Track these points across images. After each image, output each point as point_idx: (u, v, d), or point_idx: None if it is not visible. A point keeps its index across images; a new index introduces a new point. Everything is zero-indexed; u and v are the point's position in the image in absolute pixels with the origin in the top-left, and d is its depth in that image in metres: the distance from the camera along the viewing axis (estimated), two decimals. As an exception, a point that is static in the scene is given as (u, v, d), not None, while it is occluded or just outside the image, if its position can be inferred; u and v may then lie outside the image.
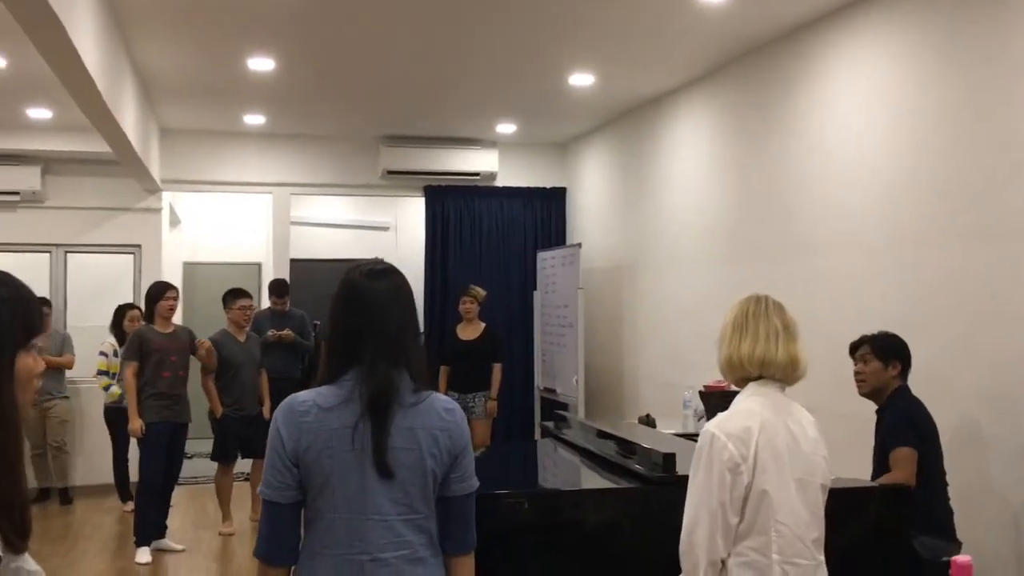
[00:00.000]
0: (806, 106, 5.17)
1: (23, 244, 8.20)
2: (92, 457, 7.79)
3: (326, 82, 6.65)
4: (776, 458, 2.25)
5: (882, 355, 3.80)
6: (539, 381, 8.46)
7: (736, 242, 5.92)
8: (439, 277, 8.84)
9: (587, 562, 2.93)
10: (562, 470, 3.89)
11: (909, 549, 3.15)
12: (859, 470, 3.76)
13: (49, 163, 8.18)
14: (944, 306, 4.12)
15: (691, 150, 6.58)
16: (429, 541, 1.95)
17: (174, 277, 8.24)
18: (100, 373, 7.20)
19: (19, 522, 1.19)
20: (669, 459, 3.01)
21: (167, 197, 8.69)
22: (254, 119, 7.89)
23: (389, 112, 7.65)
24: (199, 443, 7.97)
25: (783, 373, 2.35)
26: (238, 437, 6.50)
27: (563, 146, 9.10)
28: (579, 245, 7.73)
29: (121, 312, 7.32)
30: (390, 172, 8.55)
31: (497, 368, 7.22)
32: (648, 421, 5.36)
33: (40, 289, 7.95)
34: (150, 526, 6.03)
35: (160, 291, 6.07)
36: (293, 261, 8.78)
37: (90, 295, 8.41)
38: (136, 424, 5.86)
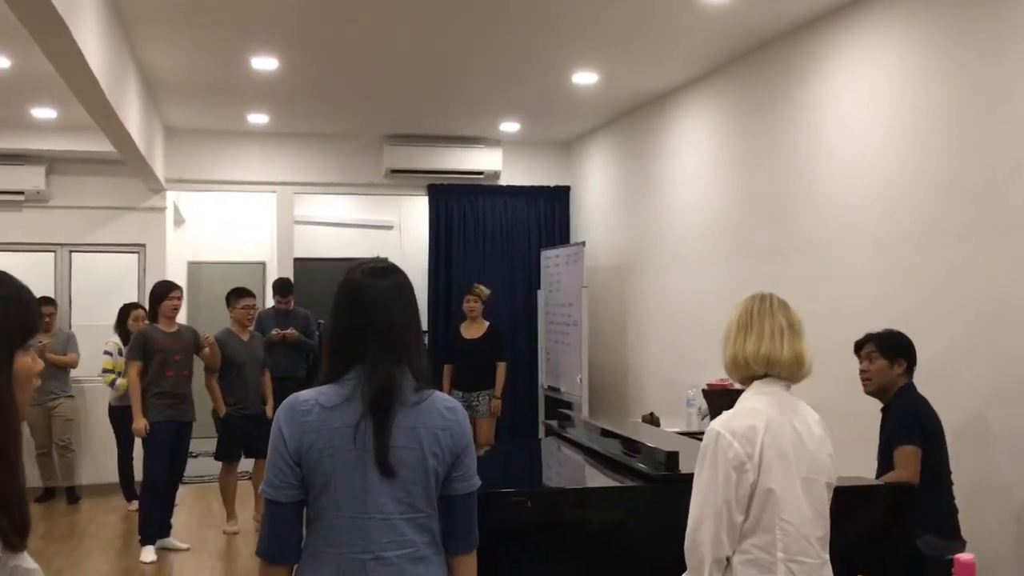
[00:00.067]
0: (809, 104, 5.15)
1: (28, 244, 8.23)
2: (98, 456, 7.80)
3: (330, 81, 6.66)
4: (781, 456, 2.24)
5: (887, 353, 3.78)
6: (543, 380, 8.46)
7: (740, 240, 5.91)
8: (443, 276, 8.84)
9: (590, 561, 2.93)
10: (566, 469, 3.89)
11: (912, 547, 3.15)
12: (865, 468, 3.75)
13: (53, 163, 8.19)
14: (949, 303, 4.11)
15: (694, 148, 6.57)
16: (431, 540, 1.94)
17: (178, 276, 8.24)
18: (106, 371, 7.22)
19: (18, 521, 1.19)
20: (672, 457, 3.00)
21: (171, 196, 8.70)
22: (258, 118, 7.89)
23: (393, 111, 7.65)
24: (203, 442, 7.98)
25: (788, 371, 2.35)
26: (242, 436, 6.51)
27: (567, 145, 9.10)
28: (583, 243, 7.73)
29: (125, 311, 7.33)
30: (394, 171, 8.56)
31: (501, 367, 7.22)
32: (652, 420, 5.35)
33: (45, 288, 7.97)
34: (155, 525, 6.04)
35: (164, 291, 6.08)
36: (297, 260, 8.79)
37: (94, 294, 8.43)
38: (140, 423, 5.87)
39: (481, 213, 8.90)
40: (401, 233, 10.84)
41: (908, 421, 3.65)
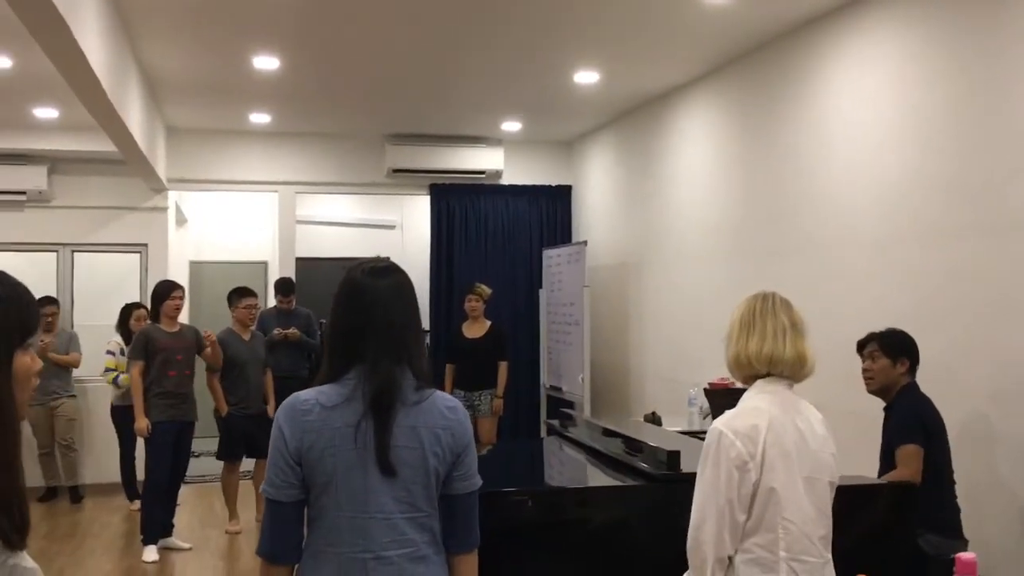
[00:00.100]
0: (811, 103, 5.15)
1: (30, 243, 8.24)
2: (100, 455, 7.81)
3: (331, 80, 6.66)
4: (784, 456, 2.24)
5: (890, 352, 3.78)
6: (545, 379, 8.45)
7: (742, 239, 5.91)
8: (445, 275, 8.84)
9: (592, 560, 2.93)
10: (567, 468, 3.89)
11: (914, 547, 3.14)
12: (867, 467, 3.75)
13: (56, 163, 8.20)
14: (948, 303, 4.10)
15: (697, 147, 6.57)
16: (432, 539, 1.94)
17: (180, 276, 8.25)
18: (108, 371, 7.23)
19: (18, 520, 1.20)
20: (674, 457, 3.00)
21: (173, 196, 8.71)
22: (259, 118, 7.89)
23: (394, 110, 7.65)
24: (205, 442, 7.98)
25: (791, 370, 2.34)
26: (244, 436, 6.51)
27: (568, 144, 9.10)
28: (585, 243, 7.72)
29: (127, 311, 7.34)
30: (396, 170, 8.56)
31: (503, 366, 7.22)
32: (654, 419, 5.35)
33: (47, 288, 7.98)
34: (157, 524, 6.04)
35: (166, 290, 6.08)
36: (299, 260, 8.79)
37: (97, 294, 8.44)
38: (142, 423, 5.88)
39: (483, 212, 8.90)
40: (403, 232, 10.84)
41: (910, 420, 3.64)
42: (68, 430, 7.64)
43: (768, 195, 5.59)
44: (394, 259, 2.13)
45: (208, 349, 6.22)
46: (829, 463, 2.34)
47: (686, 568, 2.28)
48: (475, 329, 7.32)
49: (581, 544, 2.94)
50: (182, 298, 6.15)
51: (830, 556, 2.31)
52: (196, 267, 10.29)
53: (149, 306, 6.41)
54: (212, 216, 10.43)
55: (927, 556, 3.33)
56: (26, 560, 1.21)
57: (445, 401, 1.99)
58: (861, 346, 3.91)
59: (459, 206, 8.87)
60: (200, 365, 6.32)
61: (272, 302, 7.91)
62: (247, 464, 6.78)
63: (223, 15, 5.12)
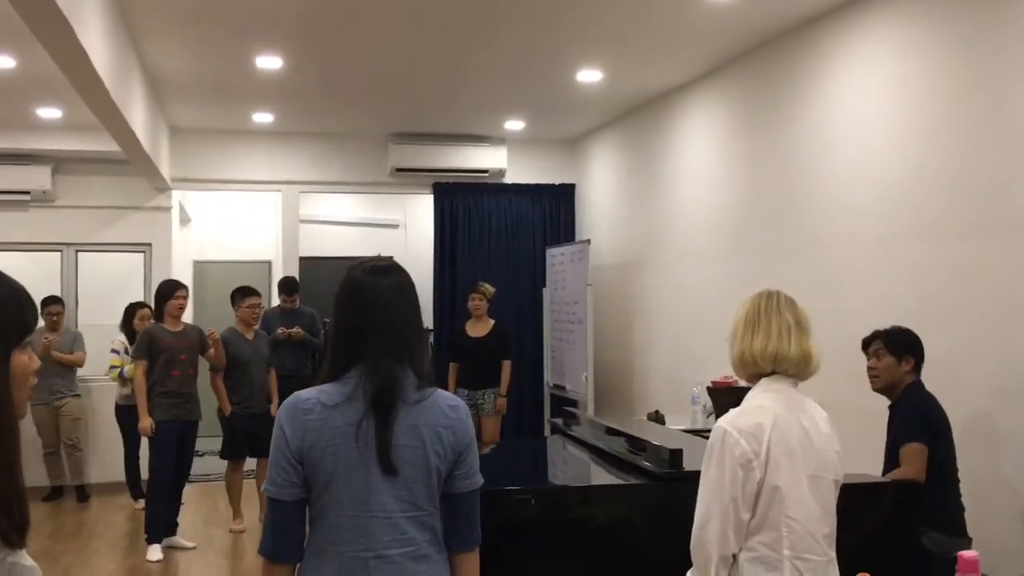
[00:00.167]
0: (815, 101, 5.14)
1: (34, 243, 8.26)
2: (105, 454, 7.83)
3: (334, 80, 6.66)
4: (788, 454, 2.23)
5: (895, 350, 3.77)
6: (548, 378, 8.45)
7: (745, 237, 5.90)
8: (448, 274, 8.84)
9: (595, 559, 2.92)
10: (571, 467, 3.88)
11: (918, 545, 3.13)
12: (872, 466, 3.74)
13: (59, 162, 8.22)
14: (952, 301, 4.09)
15: (700, 145, 6.56)
16: (433, 538, 1.94)
17: (184, 275, 8.26)
18: (113, 368, 7.24)
19: (18, 519, 1.20)
20: (677, 455, 2.99)
21: (177, 196, 8.72)
22: (263, 117, 7.90)
23: (397, 109, 7.65)
24: (209, 441, 7.99)
25: (796, 369, 2.34)
26: (247, 435, 6.51)
27: (572, 142, 9.09)
28: (588, 241, 7.72)
29: (131, 311, 7.35)
30: (399, 169, 8.56)
31: (506, 365, 7.22)
32: (657, 417, 5.35)
33: (51, 288, 8.00)
34: (161, 523, 6.05)
35: (170, 290, 6.08)
36: (302, 259, 8.79)
37: (101, 294, 8.45)
38: (146, 422, 5.88)
39: (486, 211, 8.90)
40: (406, 232, 10.84)
41: (915, 418, 3.64)
42: (73, 429, 7.65)
43: (772, 193, 5.58)
44: (397, 258, 2.13)
45: (211, 349, 6.23)
46: (834, 461, 2.33)
47: (689, 566, 2.27)
48: (478, 328, 7.32)
49: (584, 543, 2.94)
50: (186, 298, 6.16)
51: (834, 554, 2.30)
52: (200, 267, 10.30)
53: (153, 306, 6.42)
54: (216, 216, 10.43)
55: (931, 554, 3.32)
56: (25, 559, 1.21)
57: (447, 400, 1.99)
58: (866, 344, 3.90)
59: (462, 205, 8.87)
60: (204, 364, 6.33)
61: (276, 301, 7.92)
62: (251, 463, 6.79)
63: (226, 15, 5.12)
